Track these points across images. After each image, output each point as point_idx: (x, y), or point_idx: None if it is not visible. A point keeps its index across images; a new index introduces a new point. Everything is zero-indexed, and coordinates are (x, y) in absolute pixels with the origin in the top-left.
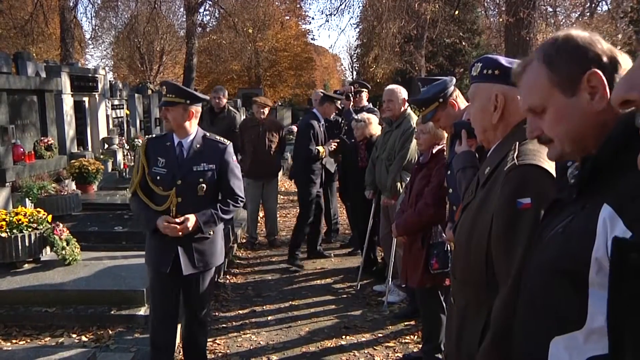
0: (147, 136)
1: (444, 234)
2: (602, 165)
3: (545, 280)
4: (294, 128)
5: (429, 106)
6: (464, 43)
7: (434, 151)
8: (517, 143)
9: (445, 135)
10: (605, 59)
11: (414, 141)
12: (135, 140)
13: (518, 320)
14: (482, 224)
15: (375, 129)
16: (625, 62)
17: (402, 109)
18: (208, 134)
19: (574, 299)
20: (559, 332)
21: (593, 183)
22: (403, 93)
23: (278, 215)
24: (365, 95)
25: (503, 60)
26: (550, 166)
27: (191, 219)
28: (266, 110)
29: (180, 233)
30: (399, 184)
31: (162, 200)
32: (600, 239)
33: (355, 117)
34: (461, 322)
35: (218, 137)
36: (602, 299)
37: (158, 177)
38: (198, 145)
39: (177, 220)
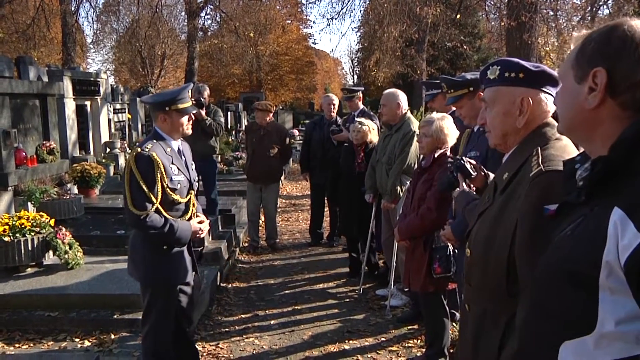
0: (145, 146)
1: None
2: (613, 168)
3: (554, 283)
4: (296, 132)
5: (458, 90)
6: (465, 47)
7: (435, 155)
8: (539, 148)
9: (448, 140)
10: (626, 64)
11: (414, 145)
12: (137, 144)
13: (526, 322)
14: (503, 230)
15: (375, 137)
16: None
17: (401, 112)
18: None
19: (583, 303)
20: (569, 337)
21: (603, 185)
22: (400, 97)
23: (279, 220)
24: (358, 98)
25: (526, 63)
26: None
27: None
28: (267, 115)
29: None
30: (399, 188)
31: (183, 208)
32: (611, 243)
33: (359, 120)
34: (478, 330)
35: None
36: (613, 303)
37: (179, 185)
38: (184, 147)
39: (203, 219)
